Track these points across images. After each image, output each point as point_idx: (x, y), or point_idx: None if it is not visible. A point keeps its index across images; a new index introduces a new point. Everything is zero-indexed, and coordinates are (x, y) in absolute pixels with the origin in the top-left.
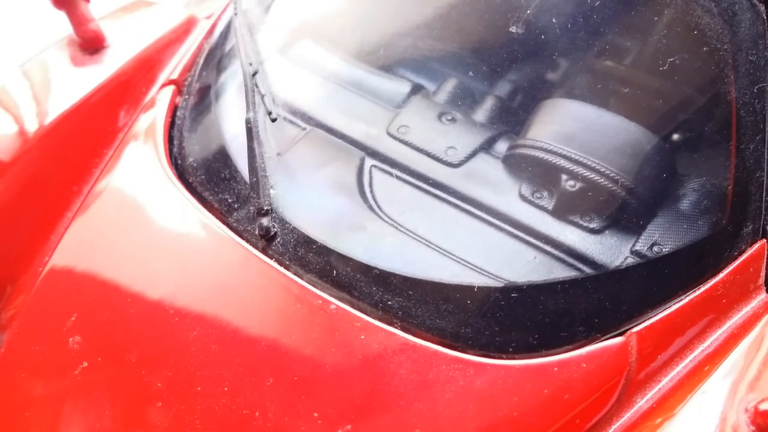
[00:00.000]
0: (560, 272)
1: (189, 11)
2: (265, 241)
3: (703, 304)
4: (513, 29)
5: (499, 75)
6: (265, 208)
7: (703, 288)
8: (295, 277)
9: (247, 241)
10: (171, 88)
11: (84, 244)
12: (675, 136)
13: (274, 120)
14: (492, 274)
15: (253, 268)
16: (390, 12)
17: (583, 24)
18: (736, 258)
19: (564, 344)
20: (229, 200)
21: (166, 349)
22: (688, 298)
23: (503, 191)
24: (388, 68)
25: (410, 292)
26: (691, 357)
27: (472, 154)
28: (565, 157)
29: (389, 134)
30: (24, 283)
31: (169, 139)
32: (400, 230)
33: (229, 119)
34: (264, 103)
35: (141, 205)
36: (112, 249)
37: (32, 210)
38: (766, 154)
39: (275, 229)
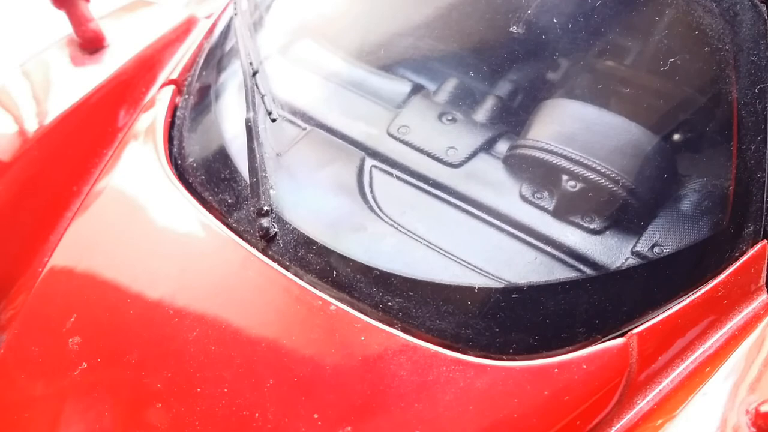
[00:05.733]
0: (561, 273)
1: (189, 11)
2: (265, 241)
3: (703, 305)
4: (513, 29)
5: (500, 75)
6: (265, 208)
7: (703, 289)
8: (295, 278)
9: (247, 241)
10: (171, 88)
11: (84, 244)
12: (676, 137)
13: (274, 120)
14: (492, 275)
15: (253, 268)
16: (390, 12)
17: (584, 24)
18: (737, 259)
19: (564, 345)
20: (229, 200)
21: (165, 350)
22: (688, 299)
23: (504, 192)
24: (388, 68)
25: (410, 293)
26: (692, 358)
27: (473, 155)
28: (565, 157)
29: (389, 134)
30: (24, 283)
31: (169, 139)
32: (401, 231)
33: (229, 119)
34: (264, 103)
35: (141, 205)
36: (111, 249)
37: (32, 210)
38: (767, 154)
39: (275, 230)
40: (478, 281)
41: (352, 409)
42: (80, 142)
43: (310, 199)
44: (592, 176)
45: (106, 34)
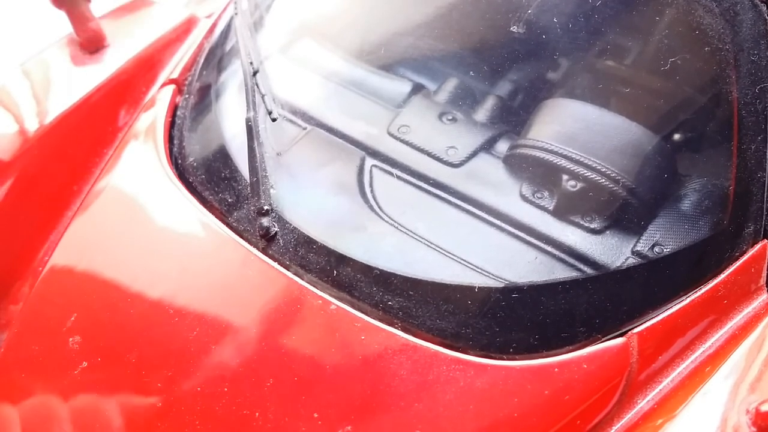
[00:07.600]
0: (561, 273)
1: (189, 10)
2: (265, 241)
3: (704, 304)
4: (514, 29)
5: (500, 75)
6: (265, 207)
7: (704, 289)
8: (296, 277)
9: (247, 240)
10: (171, 88)
11: (84, 244)
12: (676, 137)
13: (274, 120)
14: (492, 275)
15: (253, 268)
16: (391, 11)
17: (584, 24)
18: (737, 259)
19: (565, 345)
20: (230, 200)
21: (165, 349)
22: (689, 299)
23: (504, 191)
24: (388, 68)
25: (410, 293)
26: (692, 358)
27: (473, 154)
28: (566, 157)
29: (390, 134)
30: (24, 283)
31: (170, 139)
32: (401, 230)
33: (230, 119)
34: (264, 102)
35: (141, 205)
36: (112, 249)
37: (32, 210)
38: (767, 154)
39: (275, 229)
40: (478, 281)
41: (352, 409)
42: (80, 142)
43: (311, 198)
44: (593, 176)
45: (107, 33)
